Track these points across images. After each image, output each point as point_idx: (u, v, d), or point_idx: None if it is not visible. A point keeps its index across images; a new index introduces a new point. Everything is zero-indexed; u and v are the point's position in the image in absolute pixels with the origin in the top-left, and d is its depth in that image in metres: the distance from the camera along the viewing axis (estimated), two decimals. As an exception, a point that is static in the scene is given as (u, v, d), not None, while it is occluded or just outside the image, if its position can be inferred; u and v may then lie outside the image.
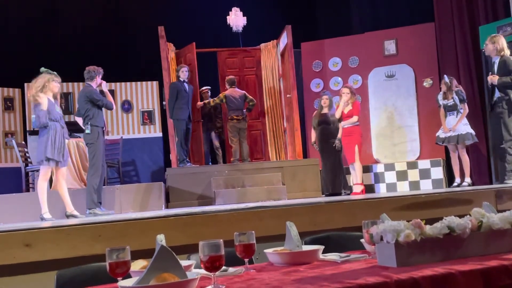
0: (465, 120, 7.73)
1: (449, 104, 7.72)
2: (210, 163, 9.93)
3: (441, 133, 7.84)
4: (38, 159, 6.16)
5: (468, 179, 7.67)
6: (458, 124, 7.63)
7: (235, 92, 9.18)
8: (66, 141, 6.49)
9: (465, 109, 7.71)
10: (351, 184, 8.32)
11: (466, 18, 8.90)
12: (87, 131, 6.57)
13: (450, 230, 2.04)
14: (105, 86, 6.95)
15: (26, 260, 3.16)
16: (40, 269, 3.15)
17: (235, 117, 9.09)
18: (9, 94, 9.85)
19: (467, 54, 8.88)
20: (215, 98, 9.37)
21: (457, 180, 7.84)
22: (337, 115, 8.13)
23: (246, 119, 9.29)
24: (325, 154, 8.14)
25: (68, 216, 6.23)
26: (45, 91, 6.21)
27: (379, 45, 9.67)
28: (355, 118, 8.10)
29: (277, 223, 3.52)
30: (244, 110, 9.18)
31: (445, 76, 7.89)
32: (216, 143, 10.17)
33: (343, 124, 8.12)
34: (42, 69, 6.31)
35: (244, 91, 9.35)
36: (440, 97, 7.91)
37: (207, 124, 10.01)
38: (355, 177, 8.23)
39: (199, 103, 9.56)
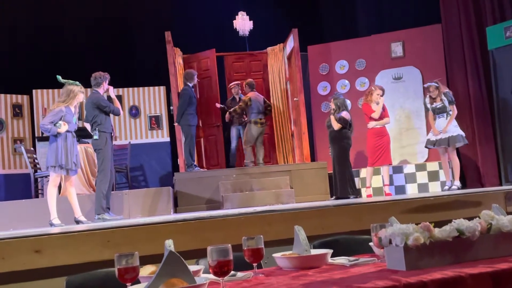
0: (455, 122, 7.72)
1: (437, 106, 7.73)
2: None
3: (431, 136, 7.84)
4: (48, 164, 6.19)
5: (457, 182, 7.64)
6: (449, 126, 7.61)
7: (257, 95, 9.24)
8: (78, 149, 6.55)
9: (454, 110, 7.71)
10: (383, 185, 8.31)
11: (473, 19, 8.87)
12: (95, 137, 6.60)
13: (460, 233, 2.03)
14: (112, 92, 6.98)
15: (36, 266, 3.17)
16: (49, 275, 3.16)
17: (259, 120, 9.11)
18: (17, 101, 9.91)
19: (475, 55, 8.85)
20: (240, 104, 9.20)
21: (448, 183, 7.82)
22: (376, 115, 8.08)
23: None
24: (333, 157, 8.11)
25: (76, 222, 6.27)
26: (71, 102, 6.28)
27: (386, 48, 9.65)
28: (387, 120, 8.13)
29: (285, 227, 3.52)
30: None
31: (430, 82, 7.84)
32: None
33: (374, 125, 8.08)
34: (59, 78, 6.33)
35: (263, 96, 9.41)
36: (427, 100, 7.92)
37: (239, 119, 9.53)
38: (370, 179, 8.21)
39: (218, 104, 9.48)
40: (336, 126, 7.92)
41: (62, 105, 6.22)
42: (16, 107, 9.88)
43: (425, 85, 8.06)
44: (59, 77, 6.34)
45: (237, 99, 9.48)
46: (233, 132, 9.58)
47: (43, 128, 6.16)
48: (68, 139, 6.21)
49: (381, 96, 8.14)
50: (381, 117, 8.10)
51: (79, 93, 6.34)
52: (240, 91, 9.68)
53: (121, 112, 7.02)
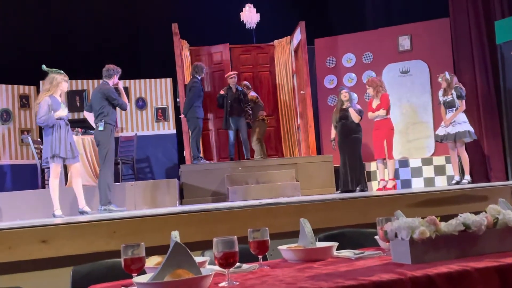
0: (464, 118, 7.68)
1: (447, 100, 7.71)
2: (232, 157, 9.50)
3: (439, 131, 7.83)
4: (45, 156, 6.22)
5: (467, 177, 7.64)
6: (456, 121, 7.58)
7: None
8: (75, 137, 6.54)
9: (462, 105, 7.66)
10: (379, 180, 8.30)
11: (482, 13, 8.81)
12: (100, 128, 6.58)
13: (466, 227, 2.03)
14: (121, 86, 6.98)
15: (43, 256, 3.19)
16: (56, 265, 3.18)
17: (265, 117, 9.32)
18: (24, 92, 9.95)
19: (483, 50, 8.79)
20: (257, 100, 9.39)
21: (456, 177, 7.81)
22: (370, 114, 8.10)
23: None
24: (345, 150, 8.11)
25: (81, 212, 6.28)
26: (55, 90, 6.25)
27: (393, 41, 9.61)
28: (381, 112, 7.99)
29: (290, 219, 3.52)
30: None
31: (446, 72, 7.85)
32: (245, 133, 9.37)
33: (372, 117, 8.09)
34: (44, 67, 6.33)
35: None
36: (440, 93, 7.92)
37: (236, 111, 9.21)
38: (381, 172, 8.19)
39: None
40: (357, 118, 7.96)
41: (47, 95, 6.19)
42: (23, 98, 9.91)
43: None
44: (43, 66, 6.34)
45: (234, 90, 9.27)
46: (231, 123, 9.31)
47: (40, 122, 6.17)
48: (62, 129, 6.18)
49: (369, 89, 8.14)
50: (377, 109, 8.07)
51: (62, 82, 6.28)
52: (236, 82, 9.51)
53: (128, 106, 7.00)
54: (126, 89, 10.15)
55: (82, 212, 6.28)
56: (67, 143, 6.20)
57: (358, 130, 8.07)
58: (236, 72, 9.70)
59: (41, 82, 9.89)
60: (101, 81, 6.95)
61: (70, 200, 6.44)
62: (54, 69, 6.34)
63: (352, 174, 8.03)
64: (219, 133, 10.15)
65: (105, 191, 6.56)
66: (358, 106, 8.20)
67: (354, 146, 8.04)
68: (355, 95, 8.57)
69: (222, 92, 9.31)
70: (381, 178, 8.19)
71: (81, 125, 8.72)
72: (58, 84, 6.26)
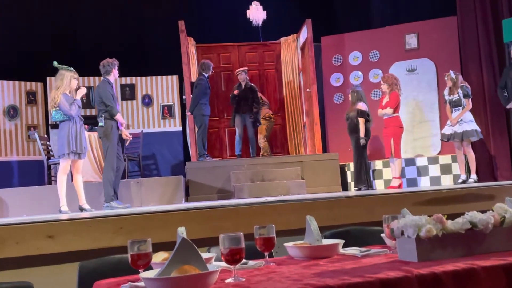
0: (471, 117, 7.68)
1: (454, 99, 7.71)
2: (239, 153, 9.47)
3: (446, 130, 7.82)
4: (60, 152, 6.24)
5: (474, 176, 7.64)
6: (463, 120, 7.58)
7: None
8: (86, 134, 6.58)
9: (468, 104, 7.68)
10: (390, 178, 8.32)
11: (489, 12, 8.78)
12: (101, 123, 6.62)
13: (472, 225, 2.02)
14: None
15: (49, 251, 3.20)
16: (62, 260, 3.19)
17: (271, 114, 9.33)
18: (31, 88, 9.98)
19: (490, 48, 8.75)
20: (264, 108, 9.41)
21: (462, 176, 7.80)
22: (381, 111, 8.12)
23: None
24: (351, 148, 8.20)
25: (80, 209, 6.31)
26: (65, 88, 6.29)
27: (400, 39, 9.58)
28: (387, 110, 8.01)
29: (296, 217, 3.52)
30: None
31: (451, 71, 7.84)
32: (251, 131, 9.37)
33: (381, 115, 8.10)
34: (55, 63, 6.35)
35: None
36: (446, 92, 7.91)
37: (243, 108, 9.24)
38: (394, 171, 8.19)
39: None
40: (362, 125, 7.95)
41: (59, 94, 6.24)
42: (30, 94, 9.94)
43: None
44: (54, 63, 6.37)
45: (243, 86, 9.27)
46: (238, 120, 9.37)
47: (73, 113, 6.17)
48: (77, 123, 6.26)
49: (383, 84, 8.15)
50: (385, 107, 8.09)
51: (72, 79, 6.33)
52: (247, 78, 9.46)
53: (118, 113, 6.78)
54: (133, 86, 10.18)
55: (82, 209, 6.30)
56: (82, 139, 6.26)
57: (359, 130, 8.07)
58: (244, 69, 9.58)
59: (47, 78, 9.96)
60: (102, 78, 6.95)
61: (76, 196, 6.47)
62: (64, 66, 6.37)
63: (356, 172, 8.07)
64: (229, 132, 10.17)
65: (107, 187, 6.59)
66: (364, 106, 8.13)
67: (355, 145, 8.07)
68: (363, 94, 8.50)
69: (235, 92, 9.33)
70: (393, 176, 8.22)
71: (87, 122, 8.74)
72: (69, 81, 6.31)
